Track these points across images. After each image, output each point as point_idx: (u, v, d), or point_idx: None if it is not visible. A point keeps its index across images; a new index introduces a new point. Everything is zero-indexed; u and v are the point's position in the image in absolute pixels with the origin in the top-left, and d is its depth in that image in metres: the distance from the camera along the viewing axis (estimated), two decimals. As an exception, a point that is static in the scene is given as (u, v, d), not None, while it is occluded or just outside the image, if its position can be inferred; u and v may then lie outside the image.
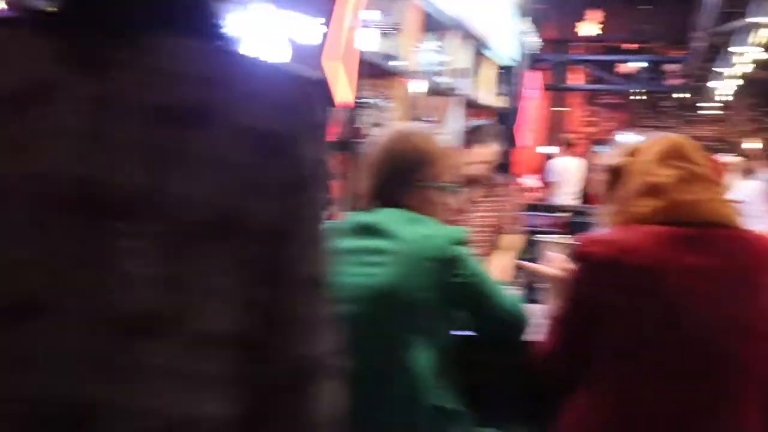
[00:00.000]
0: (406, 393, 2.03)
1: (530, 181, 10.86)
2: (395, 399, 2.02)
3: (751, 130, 16.85)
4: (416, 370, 2.03)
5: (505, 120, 7.64)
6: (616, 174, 2.03)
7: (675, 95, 16.73)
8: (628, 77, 16.76)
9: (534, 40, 9.79)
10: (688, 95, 16.07)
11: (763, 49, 9.31)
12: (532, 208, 9.11)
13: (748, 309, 1.85)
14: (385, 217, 2.14)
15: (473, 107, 6.39)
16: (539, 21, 10.13)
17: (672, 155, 1.97)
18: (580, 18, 15.48)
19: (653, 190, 1.92)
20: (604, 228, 2.02)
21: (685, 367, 1.83)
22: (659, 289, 1.84)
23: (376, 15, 4.27)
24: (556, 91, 15.91)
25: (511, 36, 7.82)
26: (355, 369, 2.05)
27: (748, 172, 8.83)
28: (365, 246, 2.10)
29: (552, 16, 13.01)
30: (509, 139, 7.65)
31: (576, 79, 16.81)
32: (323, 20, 3.58)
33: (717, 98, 14.60)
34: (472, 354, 2.22)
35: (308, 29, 3.56)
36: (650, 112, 17.32)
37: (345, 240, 2.13)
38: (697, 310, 1.83)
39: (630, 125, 17.06)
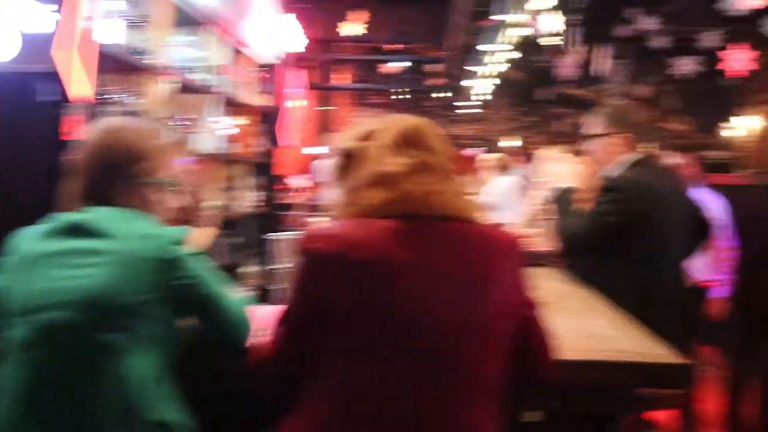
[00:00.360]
0: (120, 405, 1.84)
1: (298, 181, 10.79)
2: (108, 411, 1.84)
3: (509, 128, 17.67)
4: (133, 379, 1.86)
5: (268, 119, 7.51)
6: (348, 160, 1.89)
7: (437, 95, 17.23)
8: (392, 77, 17.09)
9: (298, 38, 9.72)
10: (449, 95, 16.60)
11: (513, 48, 9.70)
12: (300, 207, 9.05)
13: (479, 307, 1.77)
14: (98, 215, 1.96)
15: (233, 105, 6.20)
16: (304, 19, 10.08)
17: (408, 141, 1.85)
18: (345, 18, 15.62)
19: (384, 180, 1.80)
20: (333, 220, 1.87)
21: (413, 369, 1.72)
22: (386, 286, 1.72)
23: (120, 5, 4.01)
24: (322, 90, 15.97)
25: (273, 33, 7.71)
26: (65, 378, 1.88)
27: (504, 168, 9.17)
28: (75, 247, 1.92)
29: (317, 16, 13.04)
30: (272, 139, 7.53)
31: (342, 78, 16.96)
32: (55, 8, 3.31)
33: (476, 98, 15.15)
34: (198, 360, 2.08)
35: (39, 17, 3.28)
36: (415, 111, 17.70)
37: (50, 241, 1.94)
38: (426, 309, 1.73)
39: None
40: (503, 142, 15.28)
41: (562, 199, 3.50)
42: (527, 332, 1.88)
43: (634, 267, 3.34)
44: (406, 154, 1.83)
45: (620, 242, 3.33)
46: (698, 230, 3.67)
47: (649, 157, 3.53)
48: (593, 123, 3.59)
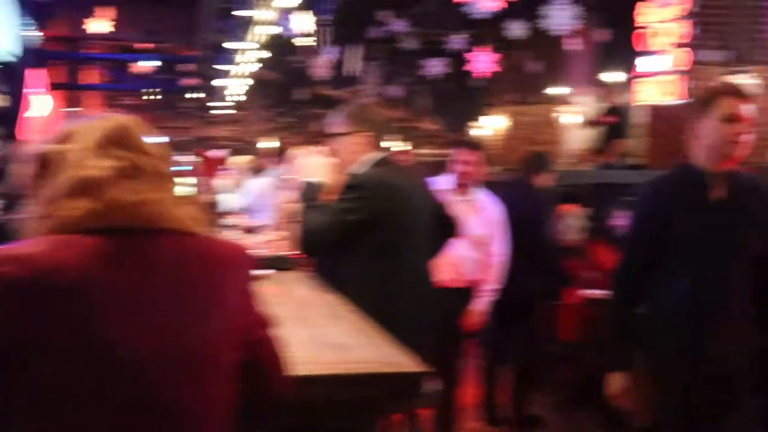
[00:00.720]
0: None
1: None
2: None
3: (267, 129, 17.58)
4: None
5: (6, 120, 7.00)
6: (45, 166, 1.57)
7: (192, 95, 16.86)
8: (144, 77, 16.54)
9: (35, 35, 9.15)
10: (203, 95, 16.29)
11: (265, 47, 9.59)
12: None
13: (202, 336, 1.53)
14: None
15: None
16: (47, 15, 9.52)
17: (115, 142, 1.57)
18: (92, 15, 14.94)
19: (86, 187, 1.50)
20: (27, 237, 1.54)
21: (126, 416, 1.46)
22: (88, 319, 1.44)
23: None
24: (70, 90, 15.18)
25: (9, 30, 7.18)
26: None
27: (259, 170, 9.05)
28: None
29: (62, 11, 12.38)
30: (11, 141, 7.04)
31: (91, 78, 16.21)
32: None
33: (230, 98, 14.94)
34: None
35: None
36: (170, 113, 17.28)
37: None
38: (138, 344, 1.47)
39: (150, 127, 16.90)
40: (261, 144, 15.15)
41: (308, 194, 3.41)
42: (259, 355, 1.68)
43: (379, 266, 3.31)
44: (113, 156, 1.55)
45: (363, 240, 3.29)
46: (442, 228, 3.68)
47: (392, 156, 3.51)
48: (336, 122, 3.53)
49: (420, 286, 3.47)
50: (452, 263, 4.69)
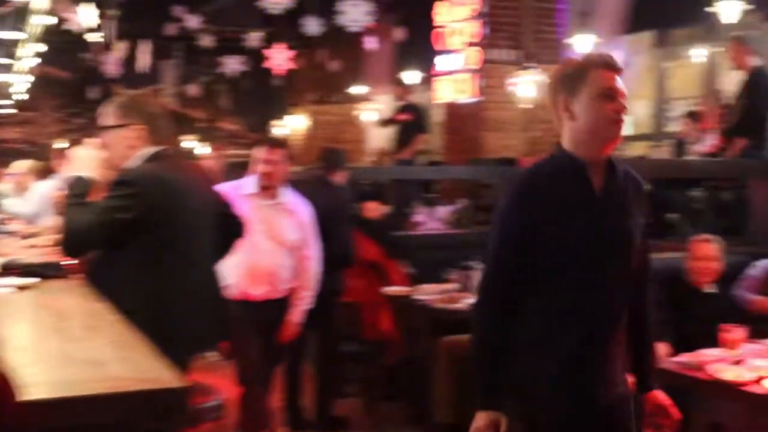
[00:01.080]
0: None
1: None
2: None
3: (59, 131, 16.72)
4: None
5: None
6: None
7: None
8: None
9: None
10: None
11: (42, 40, 9.02)
12: None
13: None
14: None
15: None
16: None
17: None
18: None
19: None
20: None
21: None
22: None
23: None
24: None
25: None
26: None
27: (46, 173, 8.55)
28: None
29: None
30: None
31: None
32: None
33: (16, 97, 14.07)
34: None
35: None
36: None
37: None
38: None
39: None
40: (57, 145, 14.37)
41: (75, 190, 3.11)
42: None
43: (155, 267, 3.08)
44: None
45: (137, 240, 3.04)
46: (227, 228, 3.47)
47: (167, 151, 3.26)
48: (106, 114, 3.25)
49: (203, 288, 3.25)
50: (266, 275, 4.53)
